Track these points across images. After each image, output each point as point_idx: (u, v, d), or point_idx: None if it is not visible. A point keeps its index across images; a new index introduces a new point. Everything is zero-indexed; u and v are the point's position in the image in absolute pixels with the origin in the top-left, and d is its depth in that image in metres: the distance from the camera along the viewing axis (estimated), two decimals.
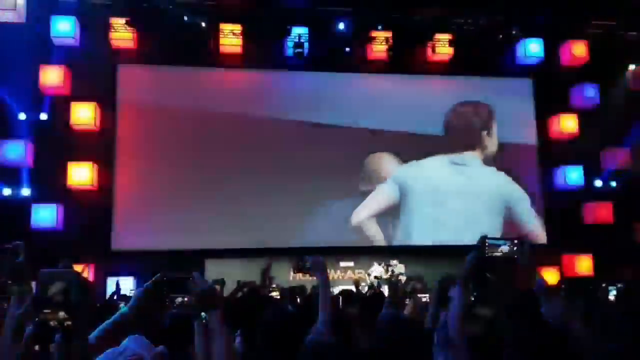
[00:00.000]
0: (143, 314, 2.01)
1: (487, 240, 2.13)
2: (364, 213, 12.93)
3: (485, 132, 13.61)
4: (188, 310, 2.10)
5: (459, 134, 13.49)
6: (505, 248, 2.13)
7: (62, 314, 1.33)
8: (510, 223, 13.24)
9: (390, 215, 13.07)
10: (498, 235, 12.50)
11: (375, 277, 11.51)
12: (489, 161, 13.55)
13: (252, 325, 2.97)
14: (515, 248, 2.15)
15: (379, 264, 11.85)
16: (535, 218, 13.39)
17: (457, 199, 13.06)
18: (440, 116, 13.55)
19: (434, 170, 13.26)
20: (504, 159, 13.72)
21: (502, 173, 13.47)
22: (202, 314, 1.75)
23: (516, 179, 13.74)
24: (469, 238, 12.68)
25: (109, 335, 1.86)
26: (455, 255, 10.45)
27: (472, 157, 13.51)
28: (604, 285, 7.82)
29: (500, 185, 13.41)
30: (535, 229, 13.31)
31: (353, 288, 8.25)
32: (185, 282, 1.90)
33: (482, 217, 13.10)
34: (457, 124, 13.50)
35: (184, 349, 2.70)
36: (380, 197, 13.02)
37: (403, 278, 11.08)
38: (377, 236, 12.99)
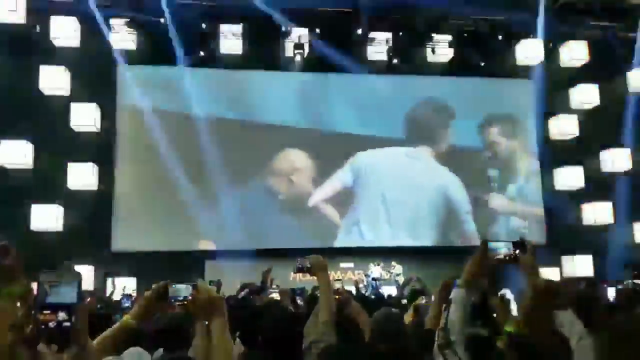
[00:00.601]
0: (145, 318, 2.01)
1: (488, 243, 2.13)
2: (319, 195, 12.99)
3: (441, 130, 13.56)
4: (190, 315, 2.10)
5: (417, 130, 13.49)
6: (506, 251, 2.12)
7: (62, 315, 1.33)
8: (446, 222, 13.28)
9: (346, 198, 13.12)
10: (433, 234, 12.40)
11: (374, 279, 11.54)
12: (440, 158, 13.52)
13: (252, 326, 2.96)
14: (517, 251, 2.14)
15: (375, 265, 11.86)
16: (470, 223, 13.32)
17: (403, 191, 13.05)
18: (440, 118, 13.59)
19: (389, 160, 13.26)
20: (504, 160, 13.76)
21: (449, 171, 13.42)
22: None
23: (515, 179, 13.77)
24: (407, 231, 12.89)
25: (111, 343, 1.85)
26: (455, 257, 10.47)
27: (425, 153, 13.51)
28: (604, 286, 7.82)
29: (445, 183, 13.36)
30: (469, 231, 13.29)
31: (353, 289, 8.25)
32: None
33: (423, 211, 13.13)
34: (416, 120, 13.49)
35: (183, 350, 2.71)
36: (335, 182, 13.08)
37: (401, 279, 11.11)
38: (334, 217, 13.00)
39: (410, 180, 13.15)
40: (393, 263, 12.22)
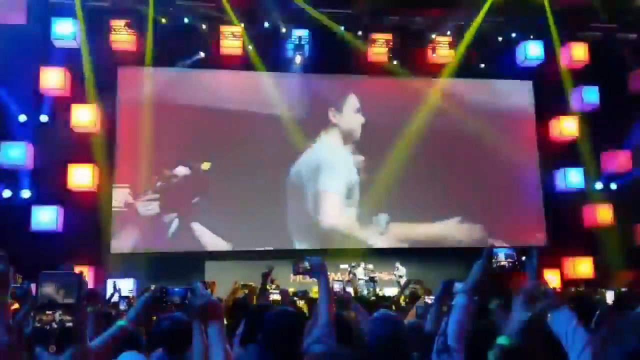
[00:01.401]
0: (141, 321, 2.01)
1: (493, 250, 2.08)
2: None
3: (333, 110, 13.33)
4: (188, 317, 2.11)
5: (314, 115, 13.19)
6: (511, 258, 2.07)
7: (62, 315, 1.32)
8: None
9: None
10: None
11: (371, 279, 11.54)
12: (348, 139, 13.31)
13: (252, 326, 2.96)
14: (523, 258, 2.09)
15: (358, 266, 11.89)
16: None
17: (309, 181, 12.93)
18: (441, 118, 13.56)
19: (310, 155, 13.14)
20: (506, 159, 13.74)
21: (354, 155, 13.23)
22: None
23: (516, 180, 13.75)
24: None
25: (107, 347, 1.84)
26: (455, 257, 10.44)
27: (326, 137, 13.30)
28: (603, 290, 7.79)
29: (345, 165, 13.20)
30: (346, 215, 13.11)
31: (350, 289, 8.24)
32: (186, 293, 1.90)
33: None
34: (310, 104, 13.17)
35: (183, 352, 2.70)
36: None
37: (403, 280, 11.09)
38: None
39: (313, 168, 13.05)
40: (397, 264, 12.18)
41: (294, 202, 12.86)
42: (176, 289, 1.94)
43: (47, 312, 1.33)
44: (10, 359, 1.30)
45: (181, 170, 12.50)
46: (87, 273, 10.93)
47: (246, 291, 6.13)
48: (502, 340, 1.36)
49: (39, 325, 1.34)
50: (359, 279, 11.60)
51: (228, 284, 7.38)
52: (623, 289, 7.36)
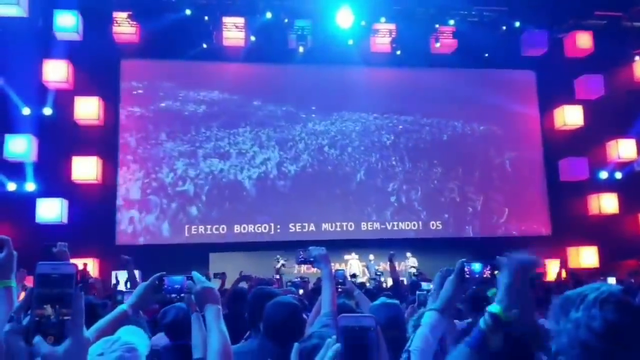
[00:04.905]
0: (140, 307, 2.05)
1: (464, 264, 1.98)
2: None
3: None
4: (188, 306, 2.15)
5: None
6: (483, 272, 1.96)
7: (58, 306, 1.32)
8: None
9: None
10: None
11: (377, 274, 11.55)
12: None
13: (256, 317, 2.97)
14: (495, 272, 1.96)
15: (354, 259, 11.90)
16: None
17: None
18: (446, 108, 13.52)
19: None
20: (509, 148, 13.70)
21: None
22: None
23: (521, 170, 13.72)
24: None
25: (107, 330, 1.88)
26: (456, 248, 10.38)
27: None
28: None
29: None
30: None
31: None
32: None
33: None
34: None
35: (188, 340, 2.73)
36: None
37: (413, 270, 11.07)
38: None
39: None
40: (408, 254, 12.12)
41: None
42: (176, 277, 1.99)
43: (44, 303, 1.33)
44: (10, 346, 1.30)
45: (184, 162, 12.51)
46: (92, 265, 11.00)
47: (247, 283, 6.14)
48: (493, 308, 1.34)
49: (36, 317, 1.34)
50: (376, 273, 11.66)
51: (231, 275, 7.41)
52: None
